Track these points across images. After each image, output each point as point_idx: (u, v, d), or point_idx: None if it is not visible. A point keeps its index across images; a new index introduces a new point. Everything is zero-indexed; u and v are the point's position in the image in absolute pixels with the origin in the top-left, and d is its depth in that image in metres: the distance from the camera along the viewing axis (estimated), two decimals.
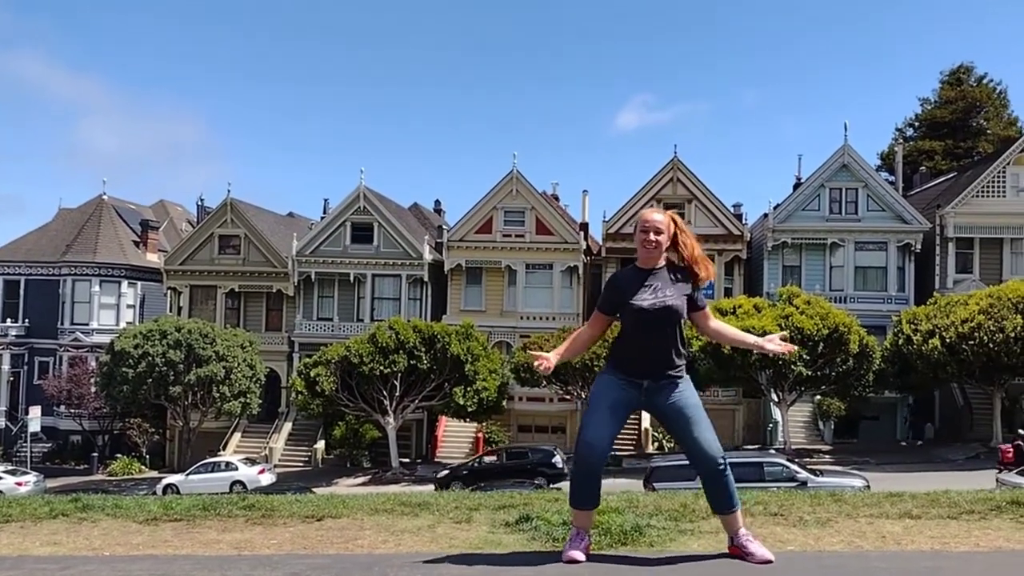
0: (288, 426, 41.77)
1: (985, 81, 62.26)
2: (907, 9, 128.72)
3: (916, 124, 64.22)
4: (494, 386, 34.81)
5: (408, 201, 54.76)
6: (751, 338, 4.30)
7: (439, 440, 40.21)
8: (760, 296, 36.57)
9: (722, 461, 3.96)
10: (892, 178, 49.00)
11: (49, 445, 43.55)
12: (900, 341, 32.88)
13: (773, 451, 29.58)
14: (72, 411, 42.37)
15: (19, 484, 31.37)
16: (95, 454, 41.61)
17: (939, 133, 60.56)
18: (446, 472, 31.52)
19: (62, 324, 45.60)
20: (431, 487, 25.61)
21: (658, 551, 4.16)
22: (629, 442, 38.44)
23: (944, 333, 31.01)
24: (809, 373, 31.77)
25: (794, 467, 22.02)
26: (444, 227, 46.98)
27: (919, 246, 39.86)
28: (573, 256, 42.24)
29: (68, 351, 44.96)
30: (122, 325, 43.76)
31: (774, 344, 4.17)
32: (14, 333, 46.25)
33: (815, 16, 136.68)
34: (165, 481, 33.21)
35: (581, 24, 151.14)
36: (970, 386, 35.71)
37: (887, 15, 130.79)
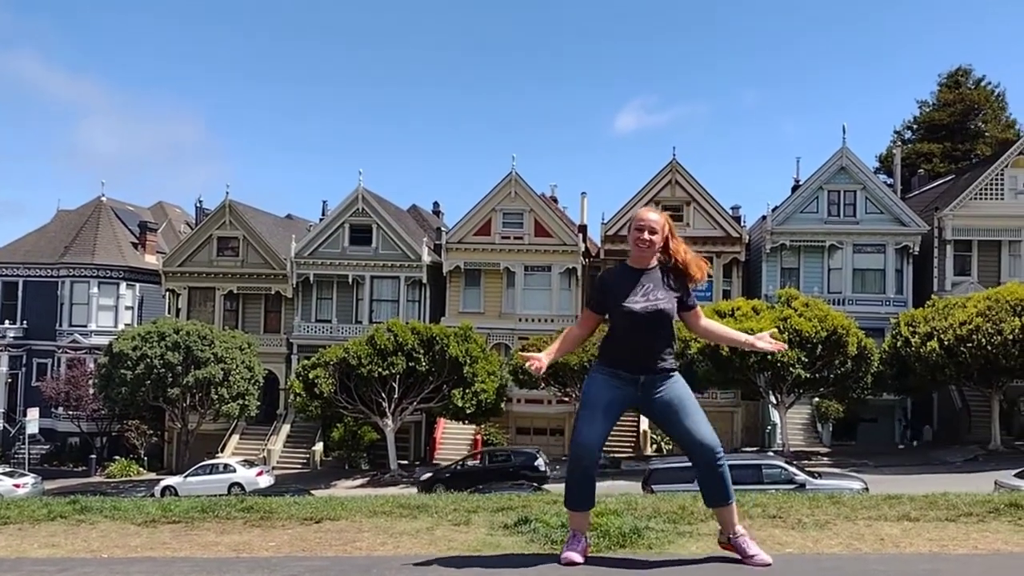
0: (286, 428, 41.75)
1: (983, 84, 62.38)
2: (905, 11, 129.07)
3: (914, 126, 64.31)
4: (492, 388, 34.81)
5: (407, 203, 54.87)
6: (741, 336, 4.30)
7: (438, 442, 40.18)
8: (758, 298, 36.61)
9: (719, 452, 3.96)
10: (890, 180, 49.05)
11: (47, 447, 43.50)
12: (898, 343, 32.90)
13: (771, 453, 29.56)
14: (70, 413, 42.34)
15: (17, 486, 31.34)
16: (93, 456, 41.59)
17: (937, 135, 60.65)
18: (429, 475, 31.54)
19: (60, 326, 45.58)
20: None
21: (656, 553, 4.16)
22: (627, 444, 38.45)
23: (942, 335, 31.03)
24: (807, 375, 31.80)
25: (792, 469, 21.99)
26: (443, 229, 46.99)
27: (917, 248, 39.91)
28: (572, 258, 42.25)
29: (66, 353, 44.93)
30: (120, 327, 43.73)
31: (764, 342, 4.18)
32: (12, 335, 46.21)
33: (814, 18, 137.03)
34: (163, 483, 33.18)
35: (580, 25, 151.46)
36: (968, 388, 35.74)
37: (885, 17, 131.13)
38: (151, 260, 48.58)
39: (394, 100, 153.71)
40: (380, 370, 33.56)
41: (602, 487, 4.18)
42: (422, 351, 34.16)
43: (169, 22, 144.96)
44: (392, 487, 30.74)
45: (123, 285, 46.58)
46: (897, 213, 40.32)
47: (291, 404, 38.57)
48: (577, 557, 3.90)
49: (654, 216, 4.04)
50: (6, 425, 44.96)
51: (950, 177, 47.73)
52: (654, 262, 4.04)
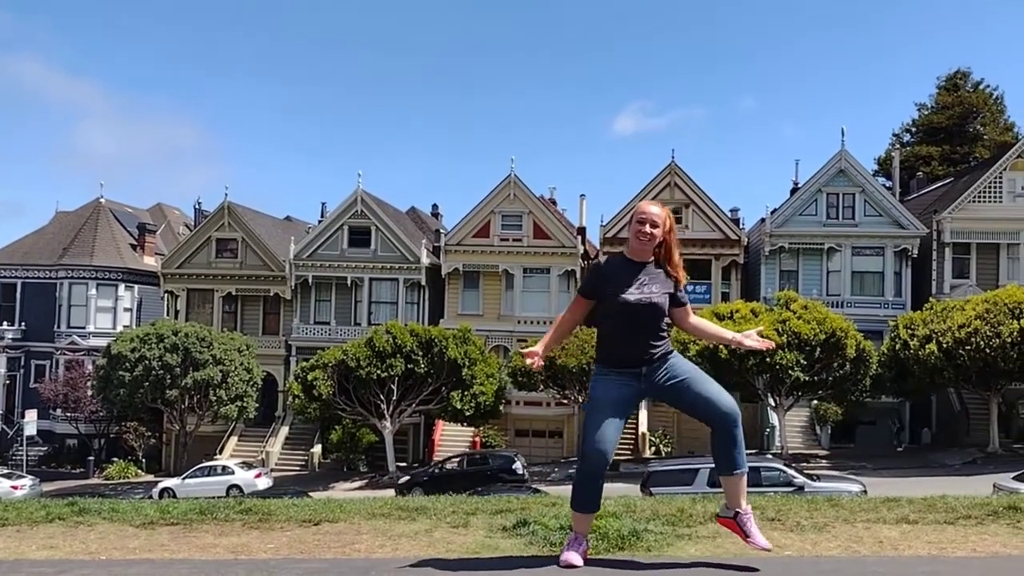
0: (285, 430, 41.72)
1: (982, 86, 62.45)
2: (904, 14, 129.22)
3: (913, 129, 64.37)
4: (491, 390, 34.80)
5: (405, 204, 54.85)
6: (729, 334, 4.31)
7: (436, 444, 40.15)
8: (757, 301, 36.63)
9: (736, 415, 3.97)
10: (889, 183, 49.08)
11: (45, 449, 43.44)
12: (897, 346, 32.92)
13: (770, 455, 29.57)
14: (68, 415, 42.29)
15: (15, 488, 31.31)
16: (91, 458, 41.55)
17: (936, 138, 60.72)
18: (406, 478, 31.53)
19: (59, 327, 45.53)
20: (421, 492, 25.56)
21: (655, 556, 4.16)
22: (626, 446, 38.43)
23: (941, 338, 31.05)
24: (806, 378, 31.81)
25: (791, 472, 21.99)
26: (441, 231, 46.97)
27: (916, 251, 39.93)
28: (570, 260, 42.25)
29: (64, 354, 44.86)
30: (119, 328, 43.66)
31: (752, 340, 4.20)
32: (10, 336, 46.16)
33: (812, 21, 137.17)
34: (161, 485, 33.16)
35: (579, 28, 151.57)
36: (967, 391, 35.76)
37: (884, 20, 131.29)
38: (150, 262, 48.56)
39: (393, 102, 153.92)
40: (379, 372, 33.55)
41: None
42: (421, 353, 34.16)
43: (168, 24, 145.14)
44: (391, 489, 30.71)
45: (122, 287, 46.54)
46: (896, 216, 40.36)
47: (289, 406, 38.54)
48: (576, 559, 3.90)
49: (655, 210, 4.04)
50: (4, 427, 44.91)
51: (949, 180, 47.77)
52: (651, 256, 4.05)
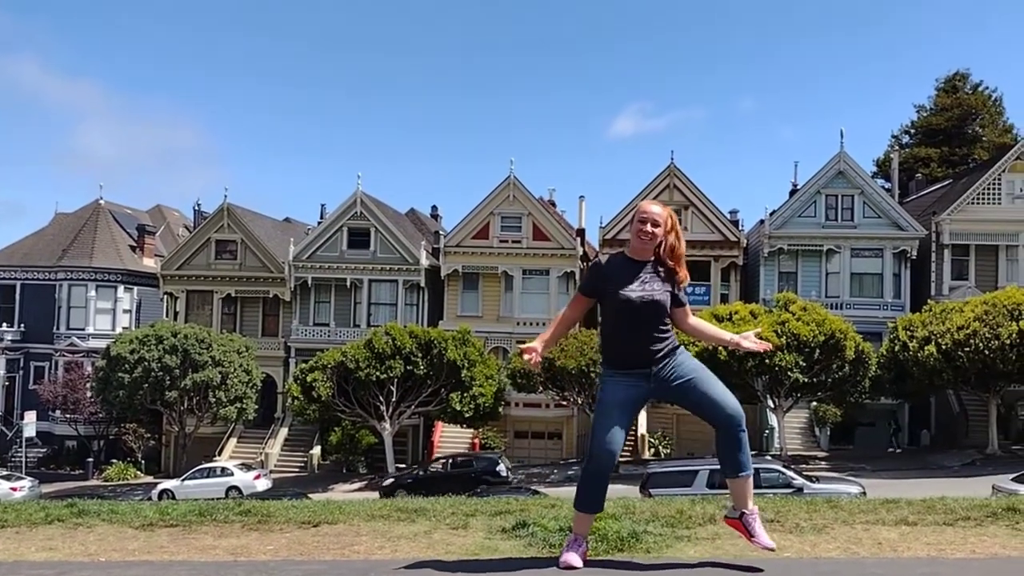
0: (284, 431, 41.71)
1: (981, 88, 62.51)
2: (903, 16, 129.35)
3: (912, 131, 64.43)
4: (491, 392, 34.79)
5: (405, 206, 54.86)
6: (728, 335, 4.31)
7: (435, 446, 40.14)
8: (756, 302, 36.63)
9: (741, 418, 4.00)
10: (888, 185, 49.13)
11: (44, 450, 43.41)
12: (896, 348, 32.92)
13: (769, 457, 29.55)
14: (68, 416, 42.25)
15: (14, 489, 31.29)
16: (90, 459, 41.51)
17: (935, 140, 60.77)
18: (391, 480, 31.53)
19: (58, 329, 45.51)
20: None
21: (654, 557, 4.17)
22: (626, 448, 38.41)
23: (940, 340, 31.04)
24: (805, 379, 31.79)
25: (790, 473, 21.96)
26: (441, 232, 46.98)
27: (915, 253, 39.95)
28: (570, 262, 42.26)
29: (64, 356, 44.85)
30: (118, 330, 43.70)
31: (750, 341, 4.21)
32: (10, 338, 46.15)
33: (811, 23, 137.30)
34: (160, 486, 33.14)
35: (578, 30, 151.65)
36: (966, 393, 35.75)
37: (883, 22, 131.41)
38: (149, 263, 48.55)
39: (393, 103, 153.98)
40: (378, 374, 33.54)
41: None
42: (420, 355, 34.15)
43: (168, 26, 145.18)
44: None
45: (121, 288, 46.54)
46: (895, 217, 40.38)
47: (289, 407, 38.51)
48: (576, 561, 3.90)
49: (657, 209, 4.05)
50: (3, 428, 44.89)
51: (948, 182, 47.80)
52: (652, 255, 4.05)
